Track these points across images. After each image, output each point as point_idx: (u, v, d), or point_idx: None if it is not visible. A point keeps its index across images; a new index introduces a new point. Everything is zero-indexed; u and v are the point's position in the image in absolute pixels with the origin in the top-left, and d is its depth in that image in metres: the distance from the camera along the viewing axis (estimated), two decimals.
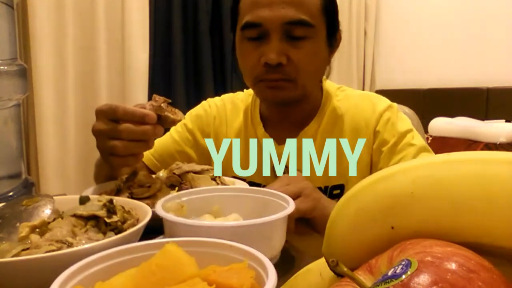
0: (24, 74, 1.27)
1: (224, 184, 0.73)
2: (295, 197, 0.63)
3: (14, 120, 1.25)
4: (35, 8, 2.08)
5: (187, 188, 0.68)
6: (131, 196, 0.65)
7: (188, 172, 0.72)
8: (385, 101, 0.92)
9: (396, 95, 3.08)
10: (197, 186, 0.69)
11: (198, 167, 0.74)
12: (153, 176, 0.72)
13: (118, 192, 0.67)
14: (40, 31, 2.10)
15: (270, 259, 0.35)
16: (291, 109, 0.91)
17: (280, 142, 0.91)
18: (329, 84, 0.96)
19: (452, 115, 2.89)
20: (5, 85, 1.17)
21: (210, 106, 1.01)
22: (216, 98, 1.03)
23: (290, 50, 0.80)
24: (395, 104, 0.92)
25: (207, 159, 0.96)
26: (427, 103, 3.16)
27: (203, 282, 0.33)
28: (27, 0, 2.07)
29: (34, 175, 2.17)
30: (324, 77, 0.95)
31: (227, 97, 1.03)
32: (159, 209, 0.50)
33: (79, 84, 2.26)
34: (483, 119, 2.90)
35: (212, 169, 0.75)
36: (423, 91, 3.24)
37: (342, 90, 0.96)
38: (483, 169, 0.30)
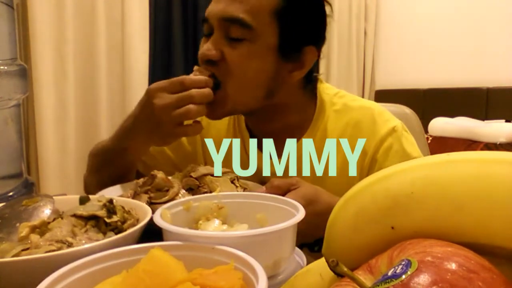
0: (24, 74, 1.27)
1: (244, 187, 0.71)
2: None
3: (14, 120, 1.25)
4: (35, 8, 2.08)
5: (205, 192, 0.66)
6: (150, 201, 0.64)
7: (206, 175, 0.69)
8: (388, 122, 0.81)
9: (396, 95, 3.09)
10: (215, 189, 0.67)
11: None
12: (169, 178, 0.70)
13: (135, 196, 0.66)
14: (40, 31, 2.10)
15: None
16: (265, 122, 0.84)
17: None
18: (325, 90, 0.86)
19: (452, 115, 2.89)
20: (5, 85, 1.17)
21: None
22: None
23: (225, 48, 0.74)
24: (399, 125, 0.81)
25: (189, 160, 0.89)
26: (427, 103, 3.16)
27: (195, 287, 0.32)
28: (27, 0, 2.07)
29: (34, 175, 2.17)
30: (321, 79, 0.88)
31: None
32: (157, 216, 0.47)
33: (79, 84, 2.26)
34: (483, 119, 2.90)
35: (230, 172, 0.73)
36: (423, 91, 3.25)
37: (340, 97, 0.86)
38: (483, 169, 0.30)
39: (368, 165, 0.80)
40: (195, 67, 0.76)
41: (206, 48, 0.75)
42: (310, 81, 0.84)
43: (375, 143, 0.79)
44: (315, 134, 0.83)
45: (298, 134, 0.83)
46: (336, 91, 0.88)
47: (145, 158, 0.89)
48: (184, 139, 0.93)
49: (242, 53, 0.74)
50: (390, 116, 0.83)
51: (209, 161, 0.90)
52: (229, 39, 0.74)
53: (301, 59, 0.78)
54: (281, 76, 0.78)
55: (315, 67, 0.84)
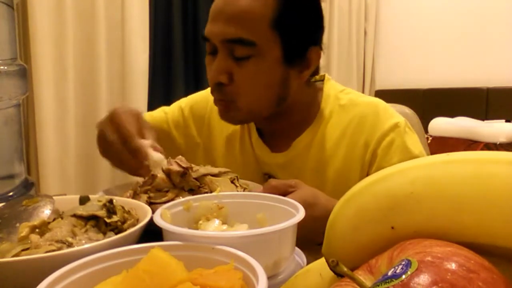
0: (24, 74, 1.27)
1: (244, 187, 0.71)
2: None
3: (14, 120, 1.25)
4: (35, 8, 2.08)
5: (206, 192, 0.66)
6: (150, 201, 0.65)
7: (206, 175, 0.69)
8: (392, 118, 0.81)
9: (396, 95, 3.09)
10: (216, 189, 0.66)
11: (215, 170, 0.71)
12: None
13: (135, 196, 0.66)
14: (40, 31, 2.09)
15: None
16: (272, 121, 0.85)
17: (274, 149, 0.86)
18: (331, 87, 0.88)
19: (452, 115, 2.89)
20: (5, 85, 1.17)
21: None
22: None
23: (233, 69, 0.75)
24: (403, 122, 0.82)
25: (193, 149, 0.94)
26: (427, 103, 3.16)
27: (196, 286, 0.32)
28: (27, 0, 2.07)
29: (34, 175, 2.17)
30: (329, 76, 0.90)
31: None
32: (157, 216, 0.47)
33: (79, 84, 2.26)
34: (483, 119, 2.90)
35: (230, 171, 0.72)
36: (423, 91, 3.25)
37: (347, 93, 0.88)
38: (482, 169, 0.30)
39: (369, 159, 0.80)
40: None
41: (215, 73, 0.75)
42: (313, 75, 0.86)
43: (377, 137, 0.80)
44: (318, 128, 0.84)
45: (302, 129, 0.85)
46: (343, 88, 0.90)
47: None
48: (192, 125, 0.96)
49: (250, 70, 0.75)
50: (394, 113, 0.84)
51: (213, 154, 0.93)
52: (235, 59, 0.74)
53: (306, 59, 0.79)
54: (290, 80, 0.79)
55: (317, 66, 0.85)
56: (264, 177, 0.86)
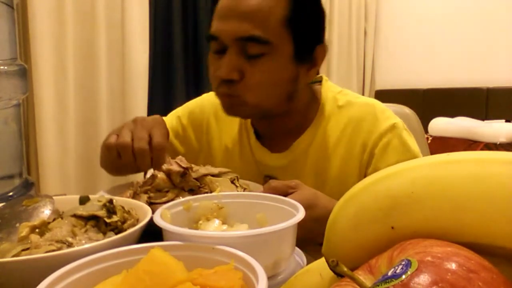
0: (24, 74, 1.27)
1: (244, 187, 0.71)
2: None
3: (14, 120, 1.25)
4: (35, 8, 2.08)
5: (206, 192, 0.66)
6: (150, 201, 0.64)
7: (206, 175, 0.69)
8: (389, 119, 0.82)
9: (396, 95, 3.09)
10: (216, 189, 0.67)
11: (215, 170, 0.71)
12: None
13: (135, 196, 0.66)
14: (40, 31, 2.10)
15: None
16: (272, 123, 0.85)
17: (273, 150, 0.87)
18: (328, 88, 0.88)
19: (452, 115, 2.89)
20: (5, 85, 1.17)
21: (209, 102, 0.97)
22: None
23: (245, 67, 0.74)
24: (400, 123, 0.82)
25: (193, 157, 0.93)
26: (427, 103, 3.16)
27: (196, 286, 0.32)
28: (27, 0, 2.07)
29: (34, 175, 2.17)
30: (326, 78, 0.90)
31: None
32: (157, 216, 0.47)
33: (79, 84, 2.26)
34: (483, 119, 2.90)
35: (230, 172, 0.73)
36: (423, 91, 3.25)
37: (344, 94, 0.88)
38: (482, 169, 0.30)
39: (367, 160, 0.81)
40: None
41: (226, 70, 0.74)
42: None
43: (374, 137, 0.80)
44: (317, 129, 0.84)
45: (301, 130, 0.85)
46: (340, 89, 0.90)
47: None
48: (190, 132, 0.96)
49: (263, 68, 0.75)
50: (391, 114, 0.85)
51: (213, 161, 0.92)
52: (247, 56, 0.74)
53: (313, 58, 0.80)
54: (299, 78, 0.80)
55: None
56: (265, 180, 0.85)
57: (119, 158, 0.68)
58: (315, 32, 0.80)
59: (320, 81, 0.89)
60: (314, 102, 0.87)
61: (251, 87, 0.75)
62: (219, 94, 0.80)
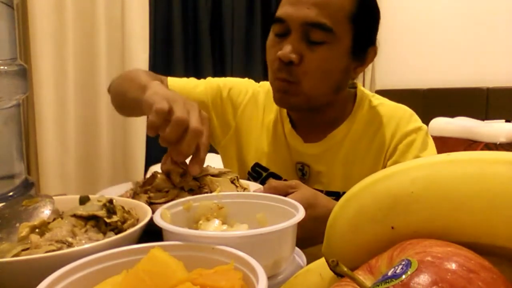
0: (24, 74, 1.27)
1: (243, 187, 0.70)
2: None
3: (14, 120, 1.25)
4: (35, 8, 2.08)
5: (206, 192, 0.66)
6: (150, 201, 0.64)
7: (206, 175, 0.69)
8: (416, 122, 0.89)
9: (396, 95, 3.07)
10: (216, 189, 0.66)
11: (215, 170, 0.71)
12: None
13: (135, 196, 0.66)
14: (40, 31, 2.10)
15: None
16: (310, 115, 0.90)
17: (306, 140, 0.91)
18: (363, 92, 0.95)
19: (452, 115, 2.89)
20: (5, 85, 1.17)
21: (251, 86, 1.00)
22: (266, 83, 0.99)
23: (305, 52, 0.79)
24: (425, 127, 0.89)
25: (224, 130, 0.98)
26: (427, 103, 3.16)
27: (196, 286, 0.32)
28: (27, 0, 2.07)
29: (34, 175, 2.17)
30: (359, 83, 0.95)
31: None
32: (157, 216, 0.47)
33: (79, 84, 2.27)
34: (483, 119, 2.90)
35: (230, 172, 0.72)
36: (423, 91, 3.24)
37: (377, 98, 0.95)
38: (482, 169, 0.30)
39: (390, 153, 0.86)
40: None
41: (288, 51, 0.78)
42: None
43: (400, 134, 0.86)
44: (352, 124, 0.90)
45: (336, 124, 0.90)
46: (374, 94, 0.97)
47: None
48: (229, 108, 0.99)
49: (321, 55, 0.79)
50: (419, 119, 0.92)
51: (244, 138, 0.96)
52: (309, 42, 0.78)
53: (365, 57, 0.86)
54: (349, 73, 0.85)
55: None
56: (297, 166, 0.91)
57: (162, 127, 0.63)
58: (372, 33, 0.86)
59: (354, 87, 0.95)
60: (350, 101, 0.92)
61: (308, 71, 0.79)
62: (276, 80, 0.83)
